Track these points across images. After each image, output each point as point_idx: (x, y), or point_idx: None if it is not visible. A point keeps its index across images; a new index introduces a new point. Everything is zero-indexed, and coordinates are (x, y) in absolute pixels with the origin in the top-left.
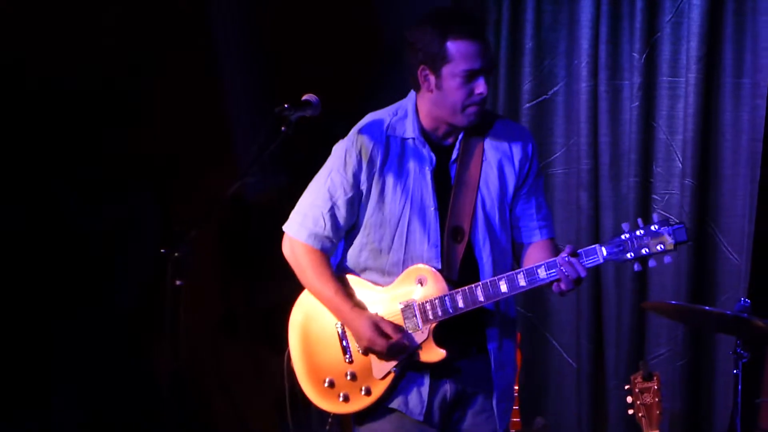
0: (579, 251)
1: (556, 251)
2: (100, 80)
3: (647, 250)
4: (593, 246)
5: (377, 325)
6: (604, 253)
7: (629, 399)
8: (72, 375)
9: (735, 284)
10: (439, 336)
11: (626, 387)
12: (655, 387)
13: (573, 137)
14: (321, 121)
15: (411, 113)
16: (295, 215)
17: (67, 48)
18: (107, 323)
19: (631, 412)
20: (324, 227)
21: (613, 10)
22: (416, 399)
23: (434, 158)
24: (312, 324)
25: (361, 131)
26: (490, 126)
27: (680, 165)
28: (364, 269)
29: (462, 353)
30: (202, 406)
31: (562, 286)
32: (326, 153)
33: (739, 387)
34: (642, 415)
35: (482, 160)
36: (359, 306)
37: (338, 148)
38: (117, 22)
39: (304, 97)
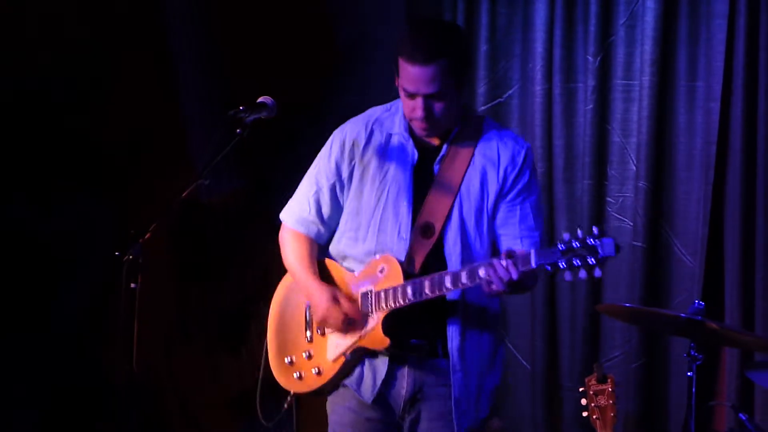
0: (514, 254)
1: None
2: (55, 81)
3: (578, 261)
4: (528, 251)
5: (336, 298)
6: (537, 258)
7: (584, 401)
8: (25, 378)
9: (689, 287)
10: (407, 331)
11: (581, 389)
12: (610, 389)
13: (528, 140)
14: (276, 123)
15: (401, 109)
16: (288, 203)
17: (21, 48)
18: (61, 326)
19: (585, 414)
20: (309, 211)
21: (568, 13)
22: (369, 383)
23: (417, 155)
24: (289, 302)
25: (349, 122)
26: (483, 132)
27: (634, 168)
28: (344, 257)
29: (429, 353)
30: (157, 408)
31: (494, 287)
32: (284, 154)
33: (693, 389)
34: (596, 417)
35: (468, 165)
36: (325, 282)
37: (330, 138)
38: (72, 23)
39: (260, 99)
